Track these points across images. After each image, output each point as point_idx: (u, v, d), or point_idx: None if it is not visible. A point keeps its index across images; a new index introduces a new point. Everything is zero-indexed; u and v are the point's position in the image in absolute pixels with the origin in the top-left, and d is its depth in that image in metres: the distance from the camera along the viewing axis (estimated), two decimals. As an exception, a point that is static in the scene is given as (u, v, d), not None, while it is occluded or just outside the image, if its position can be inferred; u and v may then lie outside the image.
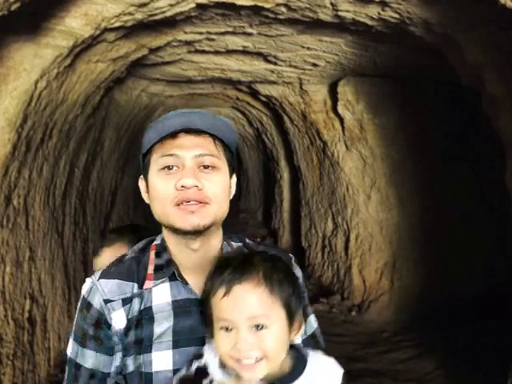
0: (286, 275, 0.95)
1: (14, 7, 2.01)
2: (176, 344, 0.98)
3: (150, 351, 0.97)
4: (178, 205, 0.96)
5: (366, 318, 5.48)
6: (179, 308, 1.00)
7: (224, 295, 0.89)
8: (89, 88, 3.84)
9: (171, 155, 0.98)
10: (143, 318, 0.99)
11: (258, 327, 0.89)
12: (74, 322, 1.05)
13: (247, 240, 1.16)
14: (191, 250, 1.02)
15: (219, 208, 1.00)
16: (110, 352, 1.01)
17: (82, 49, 3.18)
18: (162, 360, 0.97)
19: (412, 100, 5.45)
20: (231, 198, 1.07)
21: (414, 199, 5.59)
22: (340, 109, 5.65)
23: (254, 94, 6.59)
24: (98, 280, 1.03)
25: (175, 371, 0.96)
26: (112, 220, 6.46)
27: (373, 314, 5.52)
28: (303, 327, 1.00)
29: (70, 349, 1.04)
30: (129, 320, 1.00)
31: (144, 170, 1.06)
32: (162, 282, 1.01)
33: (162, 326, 0.98)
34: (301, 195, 7.47)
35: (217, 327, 0.91)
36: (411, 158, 5.51)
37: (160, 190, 0.99)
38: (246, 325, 0.88)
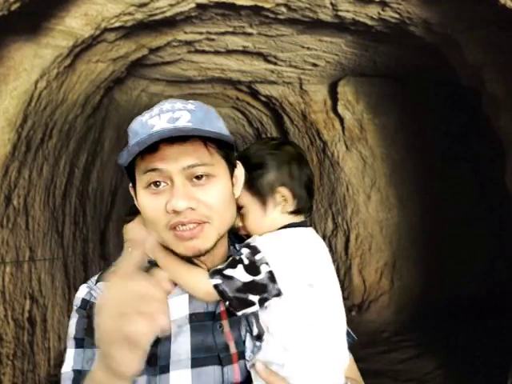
0: None
1: (14, 7, 2.01)
2: (194, 363, 0.86)
3: (168, 371, 0.85)
4: (174, 228, 0.84)
5: (366, 317, 5.48)
6: (196, 322, 0.89)
7: None
8: (89, 88, 3.83)
9: (154, 170, 0.82)
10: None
11: None
12: (70, 328, 0.89)
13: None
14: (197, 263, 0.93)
15: (221, 222, 0.87)
16: None
17: (82, 49, 3.18)
18: (180, 381, 0.85)
19: (412, 100, 5.45)
20: (241, 188, 0.93)
21: (413, 199, 5.59)
22: (340, 109, 5.65)
23: (254, 94, 6.59)
24: (95, 284, 0.90)
25: None
26: (112, 220, 6.46)
27: (373, 314, 5.52)
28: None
29: (71, 360, 0.87)
30: None
31: (131, 181, 0.92)
32: (182, 292, 0.90)
33: (179, 342, 0.87)
34: (301, 195, 7.45)
35: None
36: (411, 158, 5.51)
37: (150, 213, 0.85)
38: None
